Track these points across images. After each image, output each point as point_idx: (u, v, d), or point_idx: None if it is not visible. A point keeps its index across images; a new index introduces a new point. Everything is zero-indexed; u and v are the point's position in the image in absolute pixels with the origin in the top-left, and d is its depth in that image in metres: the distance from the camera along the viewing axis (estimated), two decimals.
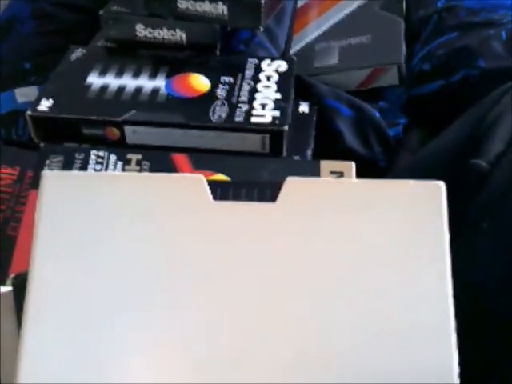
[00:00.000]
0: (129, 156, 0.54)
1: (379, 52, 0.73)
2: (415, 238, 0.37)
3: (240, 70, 0.63)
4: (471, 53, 0.69)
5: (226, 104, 0.59)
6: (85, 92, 0.61)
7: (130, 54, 0.66)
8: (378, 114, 0.69)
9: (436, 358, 0.35)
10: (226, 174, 0.52)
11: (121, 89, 0.61)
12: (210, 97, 0.60)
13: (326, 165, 0.53)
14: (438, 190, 0.38)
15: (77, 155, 0.54)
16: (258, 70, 0.63)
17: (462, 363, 0.35)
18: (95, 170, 0.53)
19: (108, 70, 0.63)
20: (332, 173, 0.52)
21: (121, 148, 0.56)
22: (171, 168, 0.53)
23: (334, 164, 0.52)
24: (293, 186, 0.38)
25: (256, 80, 0.62)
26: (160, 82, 0.62)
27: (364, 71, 0.72)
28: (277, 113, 0.58)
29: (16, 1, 0.80)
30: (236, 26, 0.68)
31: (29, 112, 0.59)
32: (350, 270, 0.37)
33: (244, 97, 0.60)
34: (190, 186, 0.38)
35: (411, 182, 0.38)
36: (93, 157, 0.54)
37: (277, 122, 0.57)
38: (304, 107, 0.66)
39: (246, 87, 0.61)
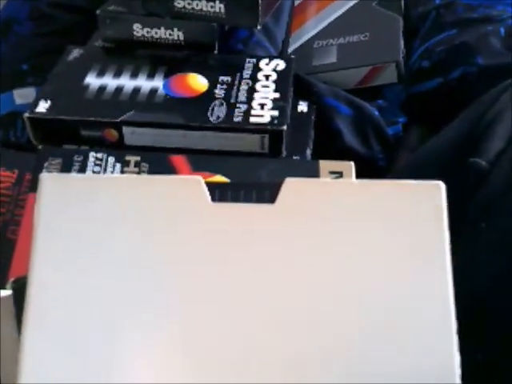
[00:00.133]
0: (127, 158, 0.54)
1: (378, 50, 0.72)
2: (415, 238, 0.37)
3: (238, 69, 0.63)
4: (469, 50, 0.69)
5: (225, 104, 0.59)
6: (83, 93, 0.60)
7: (127, 54, 0.65)
8: (377, 113, 0.69)
9: (437, 358, 0.35)
10: (225, 175, 0.52)
11: (119, 89, 0.61)
12: (208, 97, 0.60)
13: (325, 165, 0.52)
14: (437, 190, 0.38)
15: (75, 157, 0.54)
16: (257, 69, 0.63)
17: (462, 363, 0.35)
18: (94, 172, 0.53)
19: (106, 70, 0.63)
20: (331, 173, 0.51)
21: (119, 150, 0.56)
22: (170, 169, 0.53)
23: (334, 164, 0.52)
24: (292, 187, 0.38)
25: (254, 79, 0.62)
26: (158, 83, 0.61)
27: (362, 69, 0.72)
28: (275, 113, 0.58)
29: (14, 1, 0.80)
30: (233, 25, 0.67)
31: (27, 114, 0.58)
32: (350, 270, 0.37)
33: (242, 96, 0.60)
34: (189, 187, 0.38)
35: (411, 182, 0.38)
36: (91, 159, 0.54)
37: (276, 121, 0.57)
38: (303, 107, 0.65)
39: (244, 87, 0.61)
